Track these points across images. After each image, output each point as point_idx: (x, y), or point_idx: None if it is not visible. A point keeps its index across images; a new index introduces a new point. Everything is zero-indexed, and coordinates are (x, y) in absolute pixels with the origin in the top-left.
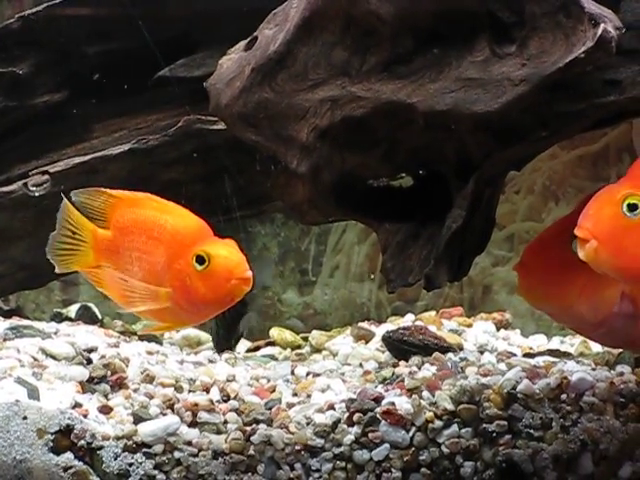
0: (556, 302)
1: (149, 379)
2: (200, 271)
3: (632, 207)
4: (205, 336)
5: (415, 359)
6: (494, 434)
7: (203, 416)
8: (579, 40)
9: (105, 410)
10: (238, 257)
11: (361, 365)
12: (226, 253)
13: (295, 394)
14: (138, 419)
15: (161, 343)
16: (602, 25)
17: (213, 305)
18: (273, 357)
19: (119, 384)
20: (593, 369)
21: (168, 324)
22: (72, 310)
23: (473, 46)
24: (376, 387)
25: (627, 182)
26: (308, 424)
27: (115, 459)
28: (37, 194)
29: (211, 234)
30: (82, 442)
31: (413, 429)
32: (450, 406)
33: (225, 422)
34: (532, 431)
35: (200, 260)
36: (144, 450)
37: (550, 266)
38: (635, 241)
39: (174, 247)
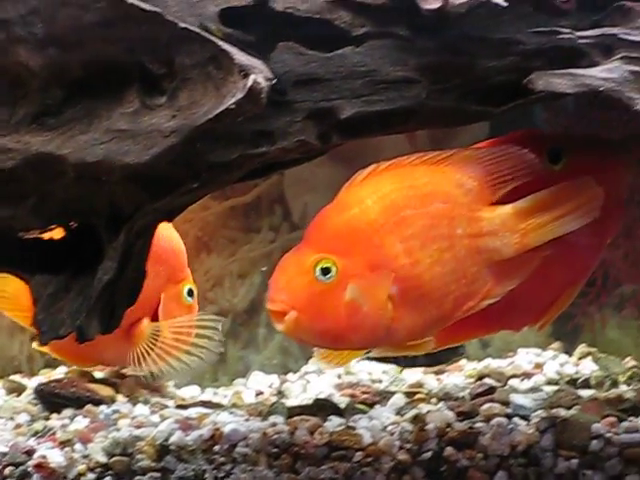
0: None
1: None
2: None
3: (325, 271)
4: None
5: (67, 412)
6: None
7: None
8: (229, 91)
9: None
10: None
11: (12, 418)
12: None
13: None
14: None
15: None
16: (252, 76)
17: None
18: None
19: None
20: (246, 420)
21: None
22: None
23: (124, 97)
24: (28, 440)
25: (307, 247)
26: None
27: None
28: None
29: None
30: None
31: None
32: (103, 458)
33: None
34: None
35: None
36: None
37: None
38: (332, 304)
39: None
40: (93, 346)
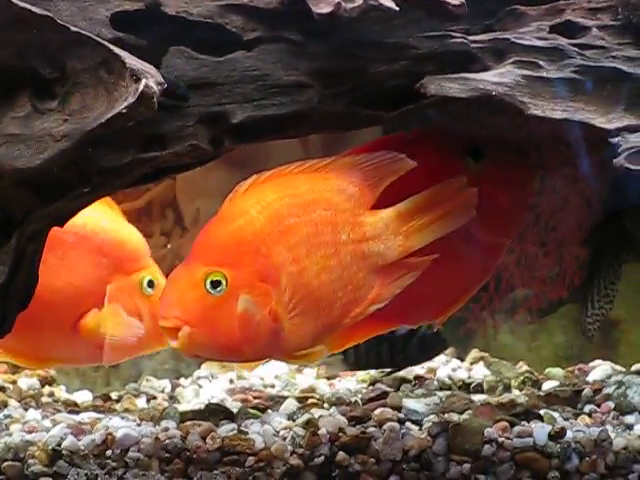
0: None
1: None
2: None
3: (215, 284)
4: None
5: None
6: None
7: None
8: (121, 95)
9: None
10: None
11: None
12: None
13: None
14: None
15: None
16: (144, 81)
17: None
18: None
19: None
20: (138, 425)
21: None
22: None
23: (15, 101)
24: None
25: (195, 261)
26: None
27: None
28: None
29: None
30: None
31: None
32: None
33: None
34: None
35: None
36: None
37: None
38: (224, 316)
39: None
40: (43, 345)
